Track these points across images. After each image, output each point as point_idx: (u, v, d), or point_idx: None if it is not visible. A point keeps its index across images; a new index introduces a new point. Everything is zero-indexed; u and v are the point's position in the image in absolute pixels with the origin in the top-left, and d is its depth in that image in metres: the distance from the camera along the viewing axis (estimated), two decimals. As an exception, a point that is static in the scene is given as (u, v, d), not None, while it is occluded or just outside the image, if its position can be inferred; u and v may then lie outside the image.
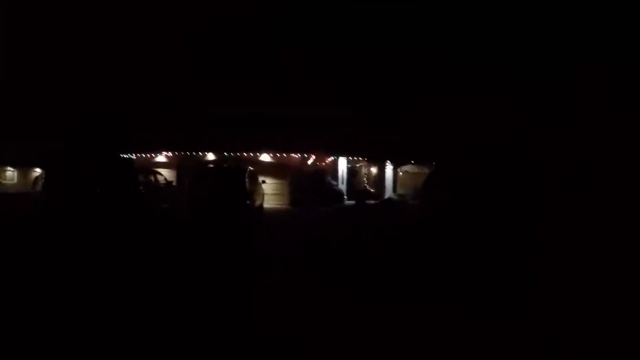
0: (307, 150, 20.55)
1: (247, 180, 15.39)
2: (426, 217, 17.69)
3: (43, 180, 24.38)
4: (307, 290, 6.59)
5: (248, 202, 14.73)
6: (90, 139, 23.37)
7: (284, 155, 20.25)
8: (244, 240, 11.73)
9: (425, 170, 24.34)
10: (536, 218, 12.13)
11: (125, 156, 22.37)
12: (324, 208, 18.43)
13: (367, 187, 24.28)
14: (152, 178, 18.56)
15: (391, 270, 7.95)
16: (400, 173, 26.51)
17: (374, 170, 24.74)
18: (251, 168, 16.89)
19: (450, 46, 21.87)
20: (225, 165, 18.01)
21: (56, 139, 24.33)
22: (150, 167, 19.89)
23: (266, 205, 18.67)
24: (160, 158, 22.10)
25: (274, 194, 19.73)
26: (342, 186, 22.37)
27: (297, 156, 20.41)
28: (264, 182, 17.24)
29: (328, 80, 22.93)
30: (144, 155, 22.24)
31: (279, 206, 19.51)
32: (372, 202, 19.95)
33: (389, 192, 24.06)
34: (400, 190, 24.81)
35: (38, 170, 26.57)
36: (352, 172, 23.76)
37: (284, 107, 21.90)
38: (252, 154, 20.15)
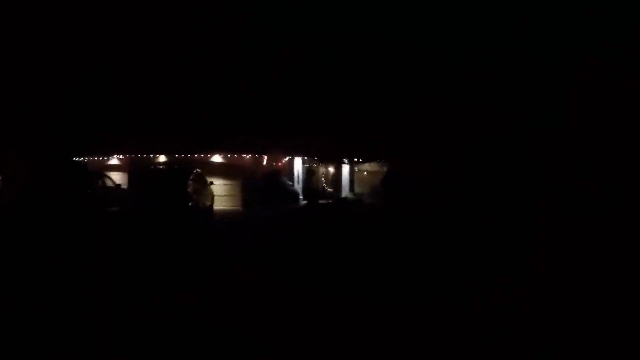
0: (261, 150, 20.48)
1: (190, 181, 15.29)
2: (382, 214, 17.86)
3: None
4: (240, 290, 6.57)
5: (190, 203, 14.61)
6: (45, 142, 22.99)
7: (236, 156, 20.13)
8: (184, 241, 11.68)
9: (384, 169, 24.48)
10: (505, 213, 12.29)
11: (78, 159, 22.07)
12: (277, 209, 18.38)
13: (325, 187, 24.30)
14: (100, 181, 18.35)
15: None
16: (365, 173, 26.61)
17: (331, 169, 24.78)
18: (198, 170, 16.79)
19: (413, 48, 21.99)
20: (166, 166, 17.89)
21: (12, 143, 23.87)
22: (99, 170, 19.66)
23: (217, 207, 18.56)
24: (113, 161, 21.84)
25: (226, 196, 19.62)
26: (298, 186, 22.35)
27: (249, 157, 20.32)
28: (211, 183, 17.13)
29: (283, 78, 22.91)
30: (96, 158, 21.94)
31: (230, 208, 19.40)
32: (324, 201, 19.96)
33: (345, 191, 24.13)
34: (357, 189, 24.89)
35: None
36: (309, 171, 23.75)
37: (239, 108, 21.86)
38: (203, 155, 19.99)
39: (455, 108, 19.53)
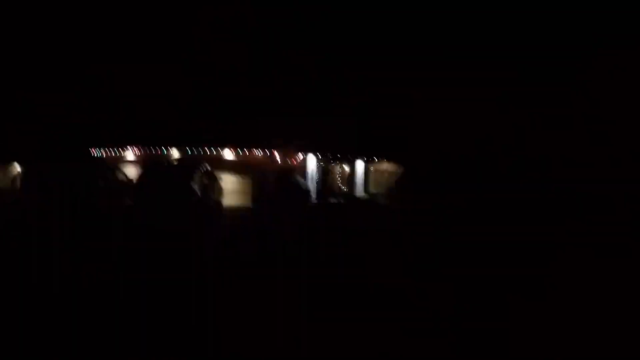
0: (275, 148, 20.42)
1: (197, 177, 15.34)
2: (389, 216, 17.56)
3: (21, 180, 24.68)
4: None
5: (194, 199, 14.63)
6: (64, 136, 23.50)
7: (248, 152, 20.13)
8: (186, 238, 11.67)
9: (400, 169, 24.08)
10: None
11: (95, 153, 22.47)
12: (286, 206, 18.26)
13: (340, 186, 24.06)
14: (114, 175, 18.61)
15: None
16: (385, 174, 26.20)
17: (347, 168, 24.50)
18: (207, 165, 16.83)
19: (425, 47, 21.63)
20: (175, 162, 17.99)
21: (32, 136, 24.47)
22: (114, 164, 19.94)
23: (227, 202, 18.58)
24: (130, 156, 22.11)
25: (237, 192, 19.63)
26: (312, 184, 22.17)
27: (262, 153, 20.28)
28: (219, 178, 17.16)
29: (298, 76, 22.80)
30: (114, 153, 22.27)
31: (240, 204, 19.39)
32: (335, 200, 19.75)
33: (359, 191, 23.83)
34: (372, 189, 24.55)
35: (17, 167, 26.79)
36: (324, 170, 23.54)
37: (254, 104, 21.88)
38: (215, 151, 20.05)
39: (470, 109, 19.11)
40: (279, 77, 22.18)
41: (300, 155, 21.60)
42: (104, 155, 22.26)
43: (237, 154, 20.28)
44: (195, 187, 14.98)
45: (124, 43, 22.00)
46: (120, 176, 18.67)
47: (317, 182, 22.86)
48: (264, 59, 22.38)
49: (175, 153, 20.43)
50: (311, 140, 21.23)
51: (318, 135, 21.23)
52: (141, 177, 16.02)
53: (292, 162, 21.28)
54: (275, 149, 20.34)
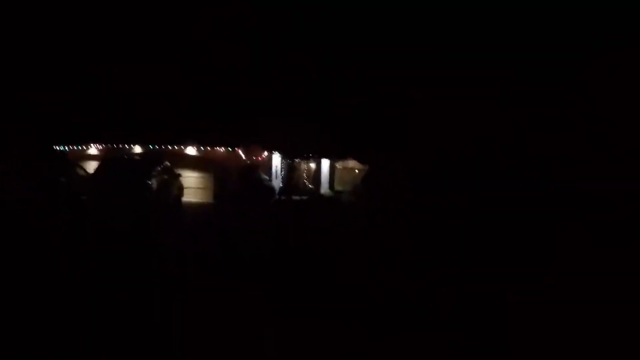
0: (239, 145, 20.42)
1: (155, 173, 15.32)
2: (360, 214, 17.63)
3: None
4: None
5: (148, 195, 14.59)
6: (26, 130, 23.17)
7: (209, 148, 20.11)
8: (140, 235, 11.62)
9: (367, 167, 24.24)
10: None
11: (58, 148, 22.24)
12: (248, 203, 18.31)
13: (306, 183, 24.18)
14: (75, 170, 18.44)
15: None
16: (356, 171, 26.36)
17: (313, 166, 24.62)
18: (167, 162, 16.80)
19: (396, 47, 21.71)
20: (134, 157, 17.91)
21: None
22: (74, 160, 19.76)
23: (188, 199, 18.60)
24: (93, 151, 21.93)
25: (198, 188, 19.62)
26: (277, 181, 22.25)
27: (224, 150, 20.28)
28: (179, 175, 17.14)
29: (266, 73, 22.78)
30: (76, 148, 22.06)
31: (201, 201, 19.40)
32: (298, 198, 19.85)
33: (324, 188, 23.97)
34: (338, 187, 24.70)
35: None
36: (290, 167, 23.64)
37: (219, 100, 21.85)
38: (176, 147, 19.99)
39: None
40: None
41: (265, 153, 21.65)
42: (67, 150, 22.06)
43: (201, 150, 20.26)
44: (152, 183, 14.91)
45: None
46: (80, 171, 18.52)
47: (281, 179, 22.96)
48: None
49: (136, 149, 20.33)
50: (276, 138, 21.26)
51: (283, 132, 21.26)
52: (97, 172, 15.91)
53: (256, 159, 21.32)
54: (239, 146, 20.35)
